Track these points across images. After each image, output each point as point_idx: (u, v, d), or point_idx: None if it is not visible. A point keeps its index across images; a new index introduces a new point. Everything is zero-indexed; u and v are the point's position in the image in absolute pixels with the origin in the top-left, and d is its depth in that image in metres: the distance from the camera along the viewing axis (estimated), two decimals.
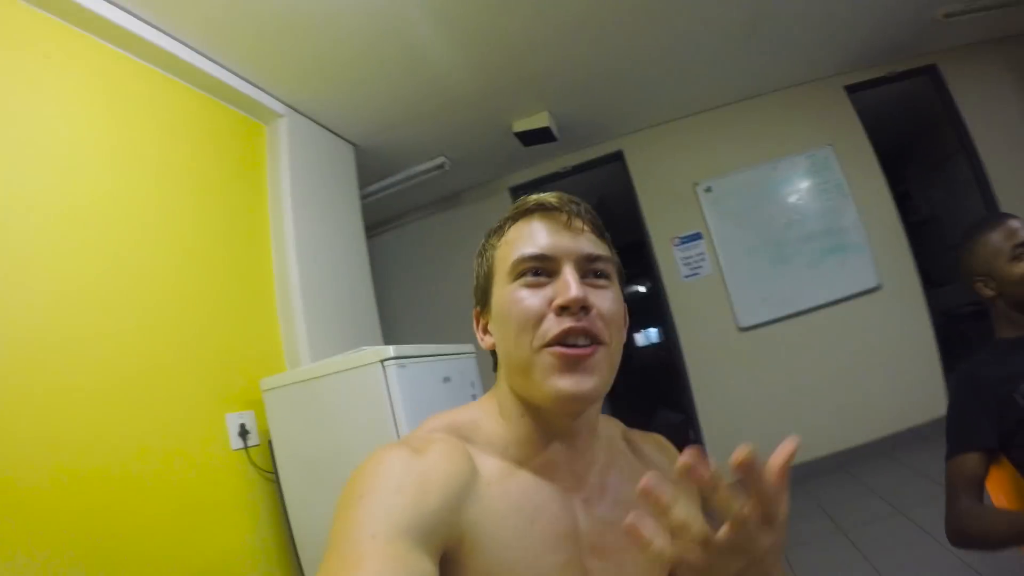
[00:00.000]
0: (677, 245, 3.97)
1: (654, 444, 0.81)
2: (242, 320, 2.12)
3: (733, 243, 3.94)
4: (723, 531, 0.44)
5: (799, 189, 3.99)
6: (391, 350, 1.75)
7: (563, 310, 0.62)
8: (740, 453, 0.42)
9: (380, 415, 1.71)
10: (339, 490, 0.58)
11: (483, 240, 0.76)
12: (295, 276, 2.33)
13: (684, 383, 3.92)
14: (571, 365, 0.62)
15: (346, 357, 1.82)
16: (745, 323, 3.84)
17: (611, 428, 0.78)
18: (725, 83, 3.83)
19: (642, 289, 7.09)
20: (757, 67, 3.70)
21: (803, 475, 3.39)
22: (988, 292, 1.32)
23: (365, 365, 1.76)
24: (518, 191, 4.25)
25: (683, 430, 4.34)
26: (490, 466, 0.65)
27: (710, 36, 3.19)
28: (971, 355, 1.34)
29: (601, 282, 0.68)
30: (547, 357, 0.62)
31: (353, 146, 3.16)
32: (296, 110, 2.65)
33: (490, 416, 0.71)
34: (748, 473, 0.42)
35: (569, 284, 0.63)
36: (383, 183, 3.71)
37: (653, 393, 5.60)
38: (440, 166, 3.71)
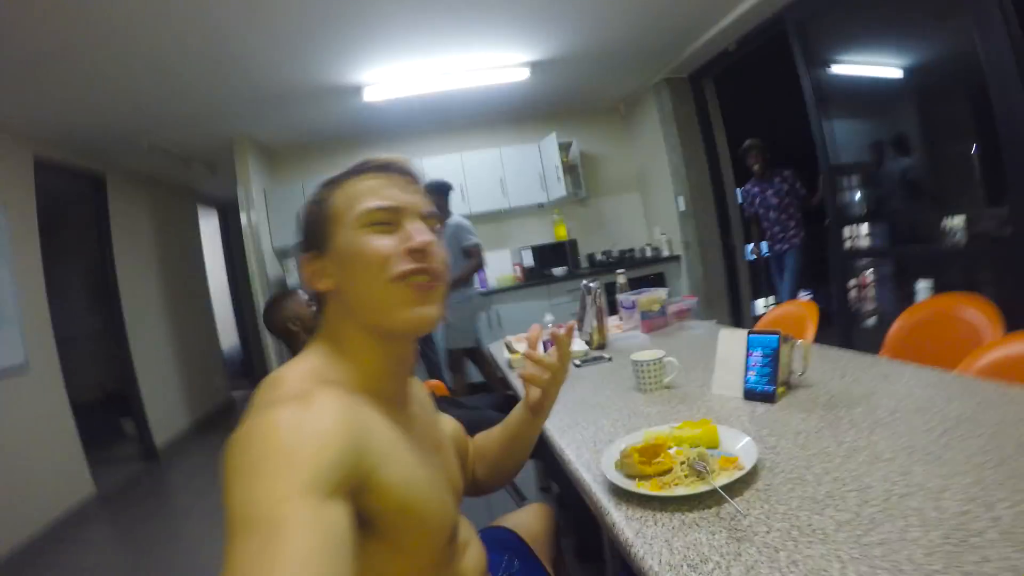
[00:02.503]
0: None
1: None
2: None
3: None
4: (555, 354, 0.95)
5: None
6: None
7: (413, 252, 0.74)
8: (534, 331, 0.98)
9: None
10: None
11: (316, 190, 0.81)
12: None
13: None
14: (421, 297, 0.74)
15: None
16: None
17: None
18: None
19: None
20: None
21: None
22: (295, 329, 2.03)
23: None
24: None
25: None
26: (357, 401, 0.67)
27: None
28: None
29: (434, 235, 0.80)
30: (402, 290, 0.73)
31: None
32: None
33: (332, 359, 0.74)
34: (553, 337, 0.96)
35: (420, 230, 0.76)
36: None
37: None
38: None
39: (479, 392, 3.86)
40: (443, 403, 2.40)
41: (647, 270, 5.64)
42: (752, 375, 1.39)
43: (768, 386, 1.34)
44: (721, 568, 0.71)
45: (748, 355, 1.42)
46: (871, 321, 4.33)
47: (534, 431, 1.04)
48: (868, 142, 4.05)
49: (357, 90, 4.32)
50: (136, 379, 4.98)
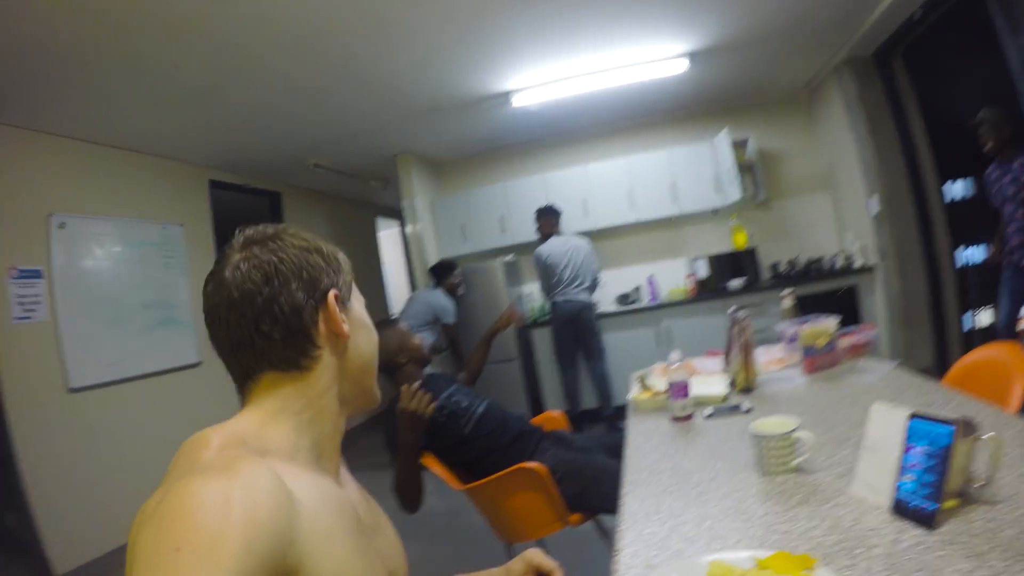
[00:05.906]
0: (14, 278, 3.18)
1: None
2: None
3: (76, 292, 3.49)
4: None
5: (148, 256, 4.01)
6: None
7: None
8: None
9: None
10: None
11: (333, 250, 0.78)
12: None
13: (7, 451, 3.05)
14: None
15: None
16: (77, 384, 3.37)
17: None
18: (113, 121, 3.55)
19: None
20: (145, 121, 3.64)
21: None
22: (401, 360, 2.18)
23: None
24: None
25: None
26: (293, 477, 0.60)
27: (159, 80, 3.09)
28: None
29: None
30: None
31: None
32: None
33: (276, 422, 0.68)
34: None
35: None
36: None
37: None
38: None
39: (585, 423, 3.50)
40: (549, 439, 2.20)
41: (837, 283, 4.88)
42: (909, 479, 0.97)
43: (928, 501, 0.92)
44: None
45: (907, 449, 1.01)
46: None
47: None
48: None
49: (506, 97, 4.26)
50: None
